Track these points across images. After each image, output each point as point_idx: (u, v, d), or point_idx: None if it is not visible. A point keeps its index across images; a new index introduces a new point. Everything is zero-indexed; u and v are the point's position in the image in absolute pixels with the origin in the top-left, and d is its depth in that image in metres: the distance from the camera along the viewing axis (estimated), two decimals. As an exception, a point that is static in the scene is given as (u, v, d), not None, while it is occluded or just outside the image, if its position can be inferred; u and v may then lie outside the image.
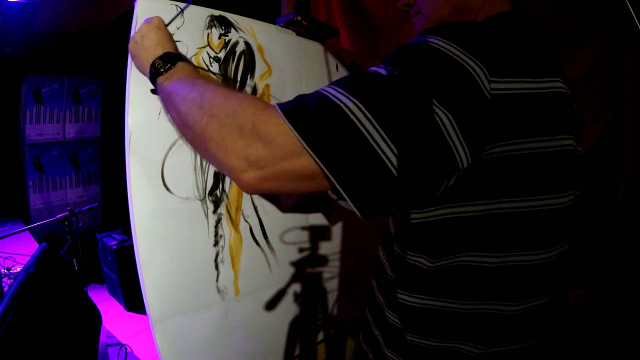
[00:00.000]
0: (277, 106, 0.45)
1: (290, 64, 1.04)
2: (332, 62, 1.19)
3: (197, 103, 0.50)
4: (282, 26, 1.04)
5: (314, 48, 1.13)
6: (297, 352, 1.07)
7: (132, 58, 0.70)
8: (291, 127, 0.42)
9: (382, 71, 0.44)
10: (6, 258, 2.08)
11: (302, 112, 0.43)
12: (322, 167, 0.41)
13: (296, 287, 1.07)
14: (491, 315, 0.51)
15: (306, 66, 1.09)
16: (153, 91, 0.64)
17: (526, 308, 0.52)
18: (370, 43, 1.83)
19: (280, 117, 0.43)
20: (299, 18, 1.02)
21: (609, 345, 1.10)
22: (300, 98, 0.45)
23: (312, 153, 0.41)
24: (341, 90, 0.43)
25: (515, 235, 0.49)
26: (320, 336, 1.17)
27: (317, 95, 0.44)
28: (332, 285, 1.20)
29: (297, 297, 1.07)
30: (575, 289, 1.23)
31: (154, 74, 0.62)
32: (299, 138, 0.41)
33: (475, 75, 0.41)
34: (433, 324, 0.54)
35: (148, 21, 0.69)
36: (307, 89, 1.10)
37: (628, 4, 1.03)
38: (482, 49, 0.43)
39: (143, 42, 0.67)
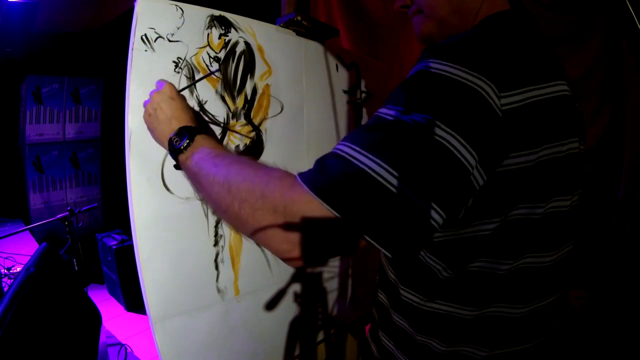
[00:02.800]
0: (301, 181, 0.44)
1: (290, 64, 1.04)
2: (332, 62, 1.19)
3: (224, 187, 0.50)
4: (282, 26, 1.04)
5: (314, 48, 1.13)
6: (297, 352, 1.07)
7: (149, 130, 0.69)
8: (324, 203, 0.41)
9: (394, 113, 0.43)
10: (6, 258, 2.08)
11: (331, 185, 0.42)
12: (366, 237, 0.42)
13: (296, 287, 1.07)
14: (497, 317, 0.52)
15: (306, 66, 1.09)
16: (176, 167, 0.63)
17: (532, 310, 0.53)
18: (370, 43, 1.83)
19: (309, 194, 0.42)
20: (299, 18, 1.02)
21: (609, 345, 1.10)
22: (321, 167, 0.44)
23: (350, 224, 0.41)
24: (361, 151, 0.42)
25: (527, 239, 0.49)
26: (320, 336, 1.17)
27: (339, 162, 0.43)
28: (332, 285, 1.20)
29: (297, 297, 1.07)
30: (575, 289, 1.23)
31: (174, 151, 0.61)
32: (335, 213, 0.41)
33: (485, 94, 0.41)
34: (440, 326, 0.55)
35: (160, 90, 0.67)
36: (307, 89, 1.10)
37: (628, 4, 1.03)
38: (488, 64, 0.42)
39: (157, 115, 0.65)
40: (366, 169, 0.41)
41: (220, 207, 0.51)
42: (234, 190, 0.49)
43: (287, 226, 0.44)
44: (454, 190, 0.41)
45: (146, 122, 0.68)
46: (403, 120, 0.42)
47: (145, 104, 0.69)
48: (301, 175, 0.45)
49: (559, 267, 0.54)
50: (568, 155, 0.49)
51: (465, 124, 0.41)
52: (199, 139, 0.60)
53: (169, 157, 0.78)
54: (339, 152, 0.44)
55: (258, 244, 0.53)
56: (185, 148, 0.60)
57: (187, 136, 0.60)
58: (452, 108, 0.41)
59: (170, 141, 0.62)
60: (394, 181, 0.40)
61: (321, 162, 0.45)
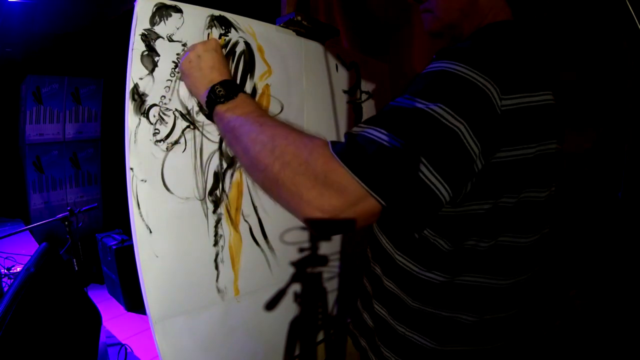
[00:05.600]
0: (336, 155, 0.48)
1: (290, 64, 1.04)
2: (332, 62, 1.19)
3: (268, 147, 0.52)
4: (282, 26, 1.04)
5: (314, 48, 1.13)
6: (297, 352, 1.07)
7: (184, 77, 0.71)
8: (355, 176, 0.46)
9: (414, 103, 0.48)
10: (6, 258, 2.09)
11: (362, 160, 0.46)
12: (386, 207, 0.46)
13: (296, 287, 1.07)
14: (482, 287, 0.60)
15: (306, 66, 1.09)
16: (208, 116, 0.65)
17: (513, 283, 0.61)
18: (371, 43, 1.83)
19: (346, 168, 0.47)
20: (299, 18, 1.02)
21: (609, 345, 1.10)
22: (354, 143, 0.48)
23: (378, 198, 0.46)
24: (387, 133, 0.47)
25: (507, 221, 0.57)
26: (320, 336, 1.17)
27: (367, 139, 0.47)
28: (332, 285, 1.20)
29: (297, 297, 1.07)
30: (576, 289, 1.23)
31: (213, 100, 0.62)
32: (364, 186, 0.46)
33: (490, 94, 0.48)
34: (436, 294, 0.61)
35: (206, 41, 0.71)
36: (307, 89, 1.10)
37: (628, 4, 1.03)
38: (495, 71, 0.49)
39: (199, 63, 0.67)
40: (391, 147, 0.46)
41: (258, 167, 0.53)
42: (277, 152, 0.51)
43: (324, 194, 0.47)
44: (460, 174, 0.48)
45: (184, 68, 0.70)
46: (423, 110, 0.47)
47: (186, 53, 0.71)
48: (337, 151, 0.49)
49: (535, 248, 0.62)
50: (548, 154, 0.57)
51: (471, 115, 0.47)
52: (243, 97, 0.63)
53: (169, 158, 0.79)
54: (370, 135, 0.48)
55: (285, 207, 0.55)
56: (227, 100, 0.61)
57: (231, 90, 0.62)
58: (463, 101, 0.47)
59: (212, 90, 0.63)
60: (418, 162, 0.46)
61: (353, 139, 0.49)
